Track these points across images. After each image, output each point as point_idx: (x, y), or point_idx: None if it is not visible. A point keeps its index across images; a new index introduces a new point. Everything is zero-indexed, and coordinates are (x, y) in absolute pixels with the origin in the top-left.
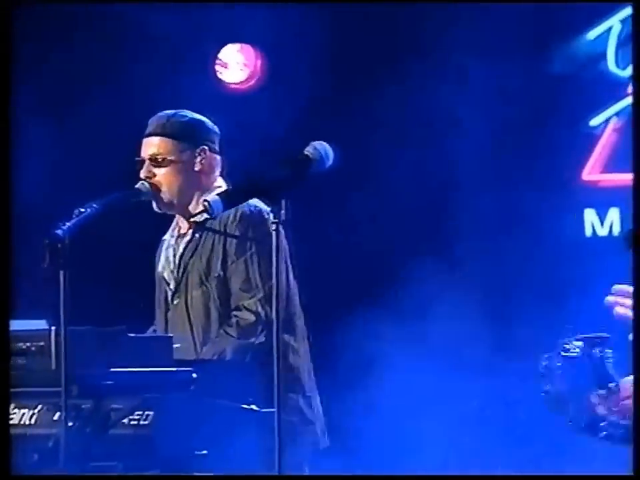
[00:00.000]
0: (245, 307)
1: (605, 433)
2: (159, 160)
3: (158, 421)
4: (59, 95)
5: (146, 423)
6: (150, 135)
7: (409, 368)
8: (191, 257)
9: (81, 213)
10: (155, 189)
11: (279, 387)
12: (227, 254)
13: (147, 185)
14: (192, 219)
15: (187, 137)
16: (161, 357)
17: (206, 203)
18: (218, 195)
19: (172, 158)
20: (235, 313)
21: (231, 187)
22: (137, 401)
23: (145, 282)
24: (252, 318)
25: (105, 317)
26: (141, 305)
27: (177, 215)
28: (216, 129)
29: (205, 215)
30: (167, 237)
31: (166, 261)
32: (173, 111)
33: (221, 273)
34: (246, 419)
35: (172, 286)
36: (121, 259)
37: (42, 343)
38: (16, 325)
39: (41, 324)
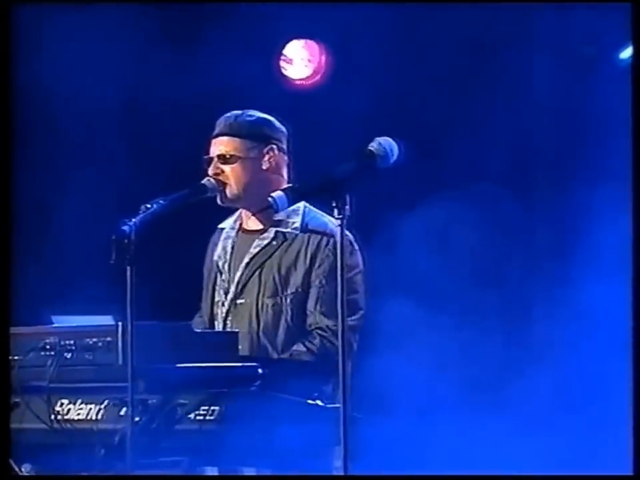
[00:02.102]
0: (331, 330)
1: None
2: (227, 157)
3: (224, 416)
4: (122, 89)
5: (212, 418)
6: (218, 135)
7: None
8: (266, 260)
9: (147, 209)
10: (222, 184)
11: (345, 382)
12: (313, 273)
13: (212, 181)
14: (274, 225)
15: (254, 135)
16: (226, 352)
17: (271, 199)
18: (283, 190)
19: (240, 155)
20: (319, 332)
21: (295, 184)
22: (203, 396)
23: None
24: (334, 341)
25: (171, 312)
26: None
27: (242, 209)
28: (283, 128)
29: (276, 215)
30: (225, 226)
31: (222, 251)
32: (240, 111)
33: (300, 289)
34: (311, 414)
35: (231, 281)
36: (187, 254)
37: (109, 339)
38: (83, 320)
39: (108, 319)
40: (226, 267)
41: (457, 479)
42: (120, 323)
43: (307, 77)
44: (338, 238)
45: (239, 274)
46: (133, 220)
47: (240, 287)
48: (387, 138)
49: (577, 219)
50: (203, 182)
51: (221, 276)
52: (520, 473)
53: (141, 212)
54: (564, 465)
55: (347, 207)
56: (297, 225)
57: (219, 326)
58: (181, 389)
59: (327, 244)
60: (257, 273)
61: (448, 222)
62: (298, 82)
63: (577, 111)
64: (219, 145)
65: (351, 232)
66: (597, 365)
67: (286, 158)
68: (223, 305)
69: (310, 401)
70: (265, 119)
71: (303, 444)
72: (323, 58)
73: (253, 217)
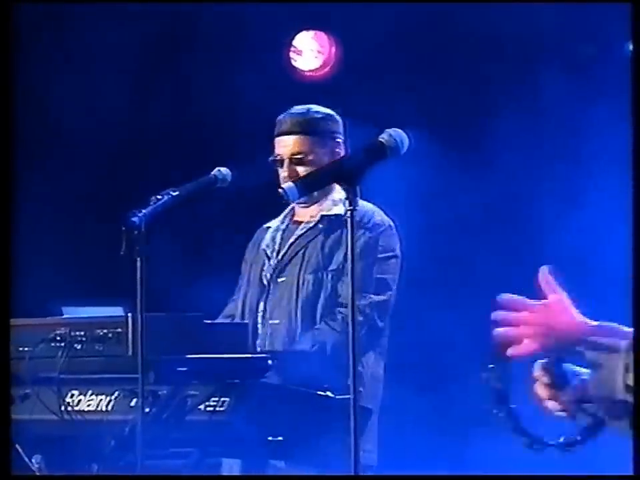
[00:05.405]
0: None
1: None
2: (301, 158)
3: (234, 408)
4: (129, 84)
5: (222, 409)
6: (286, 133)
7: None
8: (310, 241)
9: (157, 200)
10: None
11: (355, 373)
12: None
13: (222, 171)
14: (321, 212)
15: (323, 132)
16: (237, 343)
17: (281, 190)
18: (293, 181)
19: (312, 153)
20: (340, 309)
21: (308, 174)
22: (213, 387)
23: (222, 269)
24: (359, 318)
25: (181, 304)
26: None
27: (295, 206)
28: (341, 121)
29: (324, 204)
30: (272, 225)
31: (272, 241)
32: (304, 108)
33: (341, 266)
34: (322, 405)
35: (273, 260)
36: (197, 245)
37: (119, 330)
38: (93, 311)
39: (118, 311)
40: (274, 254)
41: (457, 478)
42: (130, 314)
43: (317, 68)
44: (377, 219)
45: (282, 253)
46: (143, 211)
47: (282, 265)
48: (397, 129)
49: (585, 225)
50: (213, 173)
51: (269, 261)
52: (520, 472)
53: (151, 203)
54: (564, 464)
55: (358, 198)
56: (341, 208)
57: (252, 305)
58: (191, 380)
59: (366, 223)
60: (301, 252)
61: (457, 212)
62: (308, 73)
63: (582, 107)
64: (289, 144)
65: (390, 218)
66: None
67: (343, 150)
68: (269, 284)
69: (320, 392)
70: (329, 113)
71: (312, 435)
72: (333, 49)
73: (303, 210)
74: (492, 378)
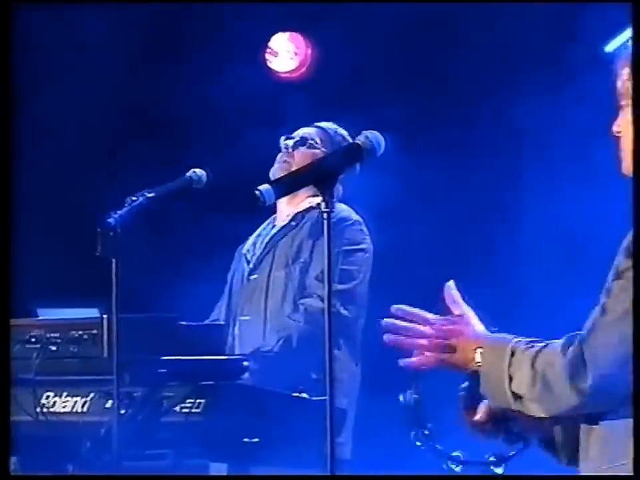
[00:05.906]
0: (317, 295)
1: None
2: (307, 141)
3: (210, 409)
4: (120, 81)
5: (198, 410)
6: (308, 126)
7: None
8: (281, 239)
9: (133, 201)
10: (283, 168)
11: (331, 374)
12: (317, 245)
13: (197, 172)
14: (296, 211)
15: (334, 141)
16: (212, 344)
17: (257, 192)
18: (269, 183)
19: (319, 147)
20: (302, 301)
21: (283, 175)
22: (189, 388)
23: (197, 270)
24: (320, 304)
25: (157, 305)
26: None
27: (279, 209)
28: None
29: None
30: (256, 233)
31: (252, 246)
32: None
33: (307, 260)
34: (297, 406)
35: (251, 263)
36: (173, 246)
37: (94, 331)
38: (68, 313)
39: (93, 312)
40: (253, 257)
41: (456, 478)
42: (105, 316)
43: (293, 70)
44: (343, 214)
45: (257, 254)
46: (119, 212)
47: (256, 264)
48: (374, 131)
49: (572, 222)
50: (188, 174)
51: (248, 265)
52: (519, 472)
53: (126, 204)
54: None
55: (334, 200)
56: (313, 204)
57: (234, 309)
58: (166, 382)
59: (332, 217)
60: (272, 250)
61: (451, 212)
62: (283, 74)
63: (580, 107)
64: (304, 130)
65: (361, 216)
66: None
67: None
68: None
69: (295, 394)
70: (350, 143)
71: (288, 437)
72: (309, 51)
73: (282, 214)
74: (407, 400)
